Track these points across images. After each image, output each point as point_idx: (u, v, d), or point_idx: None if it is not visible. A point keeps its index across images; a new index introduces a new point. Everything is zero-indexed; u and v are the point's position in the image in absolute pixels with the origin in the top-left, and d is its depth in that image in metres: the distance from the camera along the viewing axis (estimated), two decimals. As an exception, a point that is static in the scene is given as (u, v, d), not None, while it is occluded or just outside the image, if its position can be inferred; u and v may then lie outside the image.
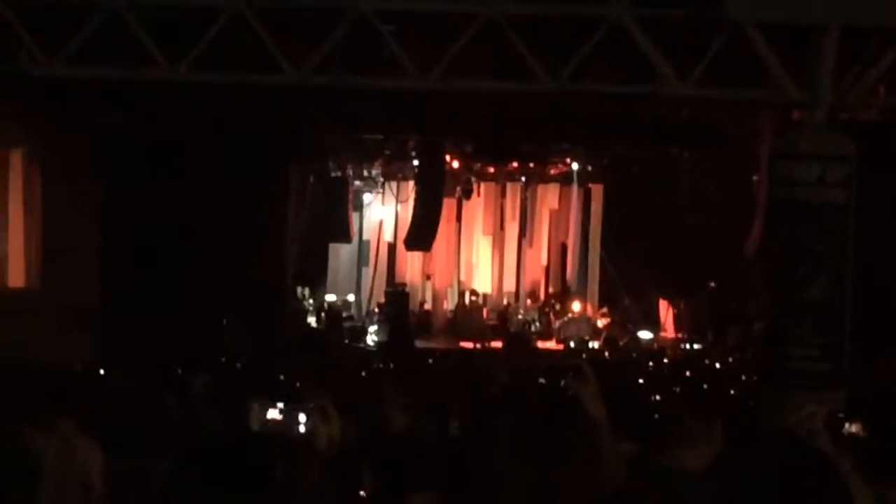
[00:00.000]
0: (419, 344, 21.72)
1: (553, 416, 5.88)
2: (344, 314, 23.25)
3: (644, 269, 23.25)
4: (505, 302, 24.86)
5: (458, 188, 24.02)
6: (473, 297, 24.26)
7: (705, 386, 9.85)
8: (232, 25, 12.31)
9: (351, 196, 23.60)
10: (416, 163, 22.61)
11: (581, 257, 24.96)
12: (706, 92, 12.44)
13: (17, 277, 16.86)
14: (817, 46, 11.74)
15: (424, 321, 23.74)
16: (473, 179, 24.39)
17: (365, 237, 24.85)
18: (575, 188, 24.74)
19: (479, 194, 24.75)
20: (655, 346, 21.86)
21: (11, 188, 16.70)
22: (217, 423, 7.86)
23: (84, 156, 17.02)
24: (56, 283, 16.69)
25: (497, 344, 21.65)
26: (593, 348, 21.66)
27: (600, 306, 24.30)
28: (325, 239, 23.56)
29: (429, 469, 4.30)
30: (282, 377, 12.35)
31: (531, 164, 24.43)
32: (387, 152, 23.15)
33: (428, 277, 24.69)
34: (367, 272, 24.79)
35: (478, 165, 24.19)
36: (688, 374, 14.62)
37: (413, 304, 23.46)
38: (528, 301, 24.91)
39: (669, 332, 23.36)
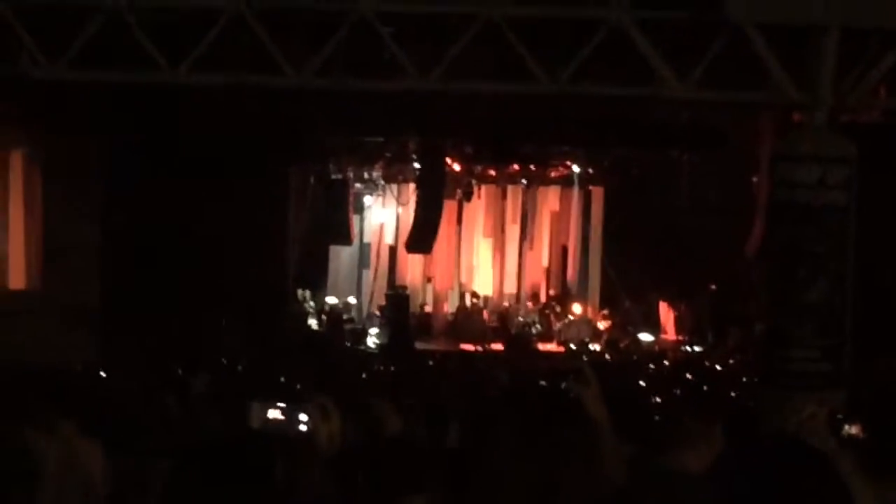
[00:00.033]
0: (420, 346, 21.72)
1: (554, 418, 5.87)
2: (344, 316, 23.25)
3: (644, 271, 23.25)
4: (505, 304, 24.86)
5: (459, 190, 24.03)
6: (474, 300, 24.27)
7: (706, 388, 9.86)
8: (232, 27, 12.32)
9: (351, 198, 23.60)
10: (416, 165, 22.62)
11: (582, 259, 24.96)
12: (706, 94, 12.44)
13: (17, 278, 16.88)
14: (817, 48, 11.75)
15: (425, 323, 23.74)
16: (474, 182, 24.40)
17: (366, 239, 24.86)
18: (576, 190, 24.75)
19: (479, 196, 24.76)
20: (656, 347, 21.86)
21: (12, 189, 16.72)
22: (217, 423, 7.86)
23: (84, 157, 17.03)
24: (56, 284, 16.70)
25: (498, 346, 21.66)
26: (594, 350, 21.65)
27: (601, 308, 24.31)
28: (325, 241, 23.56)
29: (422, 472, 4.29)
30: (282, 379, 12.35)
31: (532, 167, 24.43)
32: (387, 155, 23.16)
33: (428, 280, 24.69)
34: (368, 274, 24.80)
35: (478, 168, 24.19)
36: (688, 375, 14.60)
37: (414, 307, 23.46)
38: (529, 303, 24.91)
39: (670, 334, 23.35)
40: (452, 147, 22.32)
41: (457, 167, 23.38)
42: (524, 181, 24.91)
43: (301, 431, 5.04)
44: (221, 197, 18.23)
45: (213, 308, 18.18)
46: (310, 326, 22.83)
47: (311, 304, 23.39)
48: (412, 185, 23.18)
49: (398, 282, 24.29)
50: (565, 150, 23.71)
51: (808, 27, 11.76)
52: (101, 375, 11.93)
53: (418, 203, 22.09)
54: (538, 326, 23.81)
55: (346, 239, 23.54)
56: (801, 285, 11.57)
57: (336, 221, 23.04)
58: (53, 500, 5.64)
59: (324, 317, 23.20)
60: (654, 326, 23.45)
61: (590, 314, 24.06)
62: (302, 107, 17.16)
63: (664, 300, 23.72)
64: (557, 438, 5.45)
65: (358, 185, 24.14)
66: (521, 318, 24.15)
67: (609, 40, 12.02)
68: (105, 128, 16.81)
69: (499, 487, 5.81)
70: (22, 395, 6.41)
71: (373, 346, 22.00)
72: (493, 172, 24.54)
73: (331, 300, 23.79)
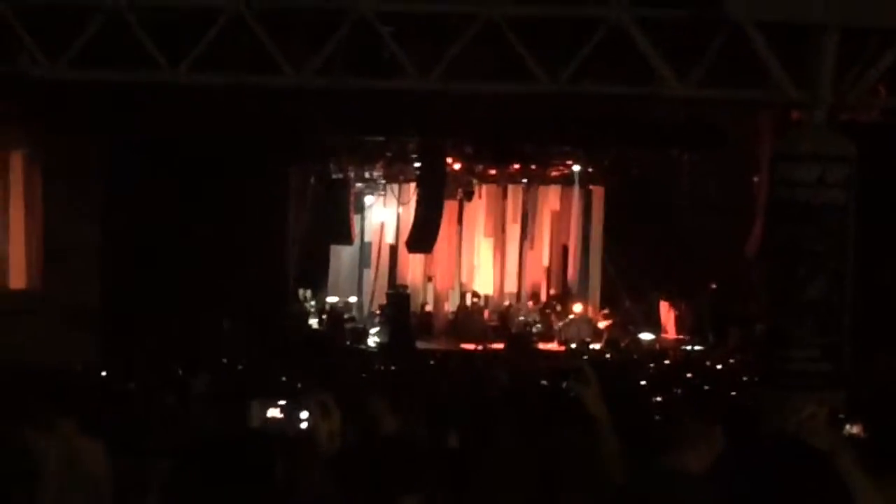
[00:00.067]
0: (420, 345, 21.72)
1: (555, 417, 5.88)
2: (345, 316, 23.26)
3: (645, 270, 23.26)
4: (506, 303, 24.87)
5: (460, 190, 24.04)
6: (475, 299, 24.28)
7: (706, 387, 9.86)
8: (232, 27, 12.31)
9: (352, 198, 23.61)
10: (417, 165, 22.62)
11: (582, 259, 24.97)
12: (706, 92, 12.43)
13: (17, 278, 16.88)
14: (817, 47, 11.74)
15: (426, 323, 23.75)
16: (475, 181, 24.40)
17: (366, 239, 24.87)
18: (576, 190, 24.75)
19: (480, 196, 24.76)
20: (656, 347, 21.87)
21: (12, 189, 16.72)
22: (217, 422, 7.87)
23: (85, 157, 17.03)
24: (56, 284, 16.70)
25: (498, 345, 21.65)
26: (594, 350, 21.65)
27: (601, 308, 24.31)
28: (326, 241, 23.57)
29: (417, 472, 4.28)
30: (283, 378, 12.35)
31: (532, 166, 24.43)
32: (388, 154, 23.16)
33: (429, 279, 24.70)
34: (369, 274, 24.81)
35: (479, 167, 24.19)
36: (689, 375, 14.61)
37: (414, 306, 23.47)
38: (530, 302, 24.92)
39: (670, 333, 23.36)
40: (453, 147, 22.32)
41: (457, 167, 23.39)
42: (525, 181, 24.92)
43: (301, 430, 5.03)
44: (222, 197, 18.23)
45: (213, 308, 18.19)
46: (310, 326, 22.84)
47: (312, 303, 23.41)
48: (413, 185, 23.18)
49: (399, 281, 24.30)
50: (566, 150, 23.72)
51: (807, 26, 11.75)
52: (101, 375, 11.95)
53: (419, 203, 22.10)
54: (538, 326, 23.81)
55: (346, 238, 23.54)
56: (801, 284, 11.57)
57: (337, 221, 23.05)
58: (56, 499, 5.64)
59: (324, 316, 23.21)
60: (655, 326, 23.46)
61: (590, 313, 24.07)
62: (302, 106, 17.16)
63: (664, 299, 23.73)
64: (558, 438, 5.46)
65: (358, 184, 24.15)
66: (521, 318, 24.15)
67: (609, 39, 12.01)
68: (105, 128, 16.81)
69: (499, 487, 5.82)
70: (22, 395, 6.41)
71: (373, 345, 22.01)
72: (493, 172, 24.54)
73: (331, 299, 23.80)
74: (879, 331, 14.44)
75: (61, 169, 16.83)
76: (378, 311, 23.25)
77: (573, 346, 21.98)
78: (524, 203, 25.12)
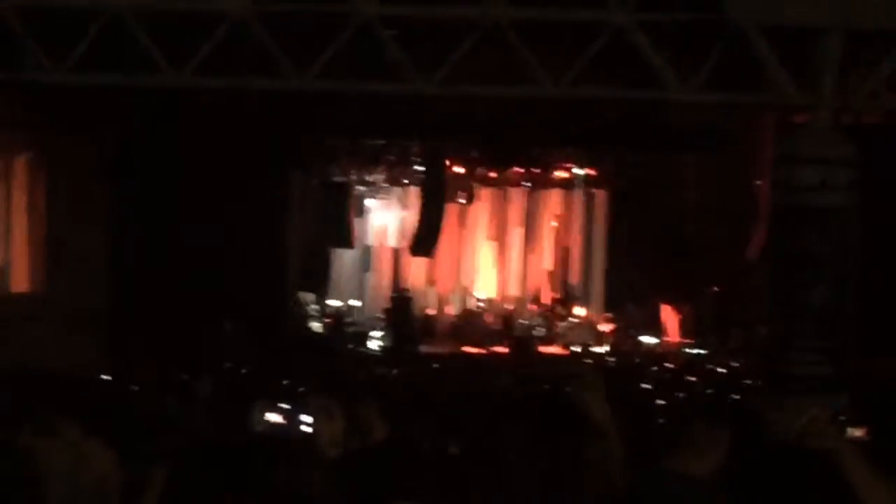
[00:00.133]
0: (423, 349, 21.71)
1: (558, 421, 5.88)
2: (347, 319, 23.24)
3: (647, 273, 23.23)
4: (508, 307, 24.83)
5: (463, 193, 24.02)
6: (477, 303, 24.26)
7: (709, 391, 9.87)
8: (235, 31, 12.33)
9: (354, 201, 23.60)
10: (419, 168, 22.61)
11: (584, 262, 24.94)
12: (708, 96, 12.44)
13: (21, 282, 16.89)
14: (820, 49, 11.74)
15: (428, 326, 23.72)
16: (477, 185, 24.38)
17: (368, 242, 24.85)
18: (578, 193, 24.73)
19: (482, 199, 24.74)
20: (659, 350, 21.85)
21: (16, 194, 16.73)
22: (220, 426, 7.87)
23: (88, 161, 17.05)
24: (61, 288, 16.72)
25: (501, 349, 21.65)
26: (597, 353, 21.63)
27: (604, 311, 24.28)
28: (328, 244, 23.55)
29: (408, 477, 4.28)
30: (285, 382, 12.35)
31: (535, 170, 24.41)
32: (390, 157, 23.16)
33: (431, 283, 24.68)
34: (371, 277, 24.78)
35: (481, 171, 24.18)
36: (692, 378, 14.61)
37: (417, 310, 23.45)
38: (532, 306, 24.88)
39: (673, 336, 23.33)
40: (455, 150, 22.31)
41: (459, 170, 23.38)
42: (527, 184, 24.89)
43: (303, 433, 5.04)
44: (224, 200, 18.24)
45: (216, 312, 18.18)
46: (312, 329, 22.82)
47: (314, 307, 23.38)
48: (415, 189, 23.17)
49: (401, 284, 24.28)
50: (568, 153, 23.70)
51: (809, 28, 11.75)
52: (104, 379, 11.96)
53: (421, 207, 22.08)
54: (541, 329, 23.78)
55: (348, 242, 23.52)
56: (803, 288, 11.57)
57: (338, 224, 23.03)
58: (64, 502, 5.64)
59: (326, 320, 23.19)
60: (658, 329, 23.43)
61: (593, 317, 24.03)
62: (304, 110, 17.17)
63: (667, 303, 23.71)
64: (561, 443, 5.45)
65: (360, 187, 24.13)
66: (523, 321, 24.13)
67: (611, 43, 12.02)
68: (109, 132, 16.83)
69: (502, 492, 5.81)
70: (26, 398, 6.42)
71: (376, 348, 21.99)
72: (495, 175, 24.52)
73: (334, 303, 23.78)
74: (882, 334, 14.42)
75: (65, 173, 16.85)
76: (380, 315, 23.23)
77: (576, 349, 21.97)
78: (527, 207, 25.09)
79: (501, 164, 23.93)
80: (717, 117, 18.66)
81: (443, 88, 12.45)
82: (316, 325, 22.96)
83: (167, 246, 17.63)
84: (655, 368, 17.21)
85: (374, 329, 22.76)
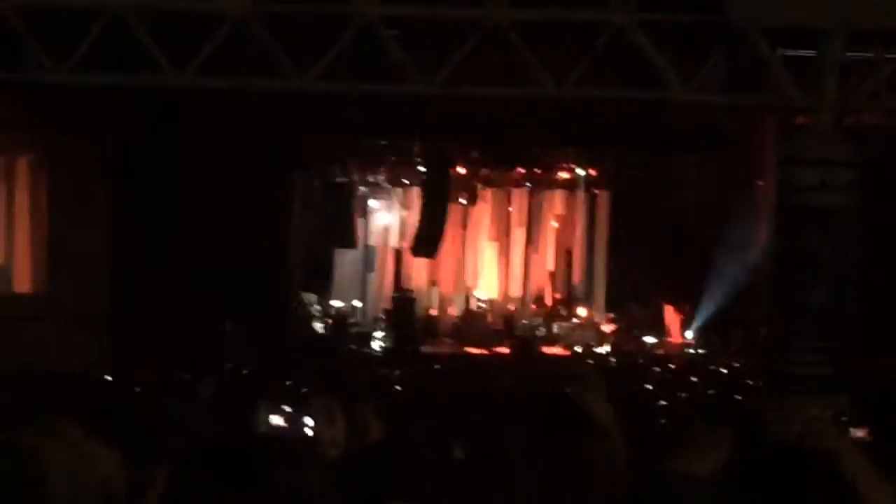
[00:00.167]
0: (425, 349, 21.72)
1: (560, 422, 5.88)
2: (350, 320, 23.26)
3: (649, 274, 23.24)
4: (511, 307, 24.85)
5: (465, 194, 24.04)
6: (479, 303, 24.28)
7: (712, 391, 9.87)
8: (236, 31, 12.34)
9: (356, 202, 23.61)
10: (421, 169, 22.63)
11: (587, 263, 24.95)
12: (710, 97, 12.44)
13: (23, 283, 16.91)
14: (821, 50, 11.74)
15: (430, 327, 23.74)
16: (479, 185, 24.40)
17: (370, 243, 24.86)
18: (581, 194, 24.74)
19: (484, 200, 24.75)
20: (662, 351, 21.85)
21: (18, 195, 16.75)
22: (222, 427, 7.87)
23: (90, 162, 17.06)
24: (63, 288, 16.73)
25: (503, 349, 21.66)
26: (599, 354, 21.65)
27: (606, 312, 24.29)
28: (330, 244, 23.57)
29: (406, 478, 4.28)
30: (287, 383, 12.35)
31: (537, 170, 24.43)
32: (392, 158, 23.18)
33: (434, 283, 24.70)
34: (373, 278, 24.80)
35: (483, 171, 24.19)
36: (694, 379, 14.61)
37: (419, 310, 23.47)
38: (534, 307, 24.90)
39: (675, 337, 23.34)
40: (457, 151, 22.32)
41: (462, 171, 23.40)
42: (529, 185, 24.91)
43: (305, 435, 5.04)
44: (226, 201, 18.25)
45: (218, 313, 18.20)
46: (315, 330, 22.84)
47: (317, 307, 23.40)
48: (417, 189, 23.19)
49: (403, 285, 24.29)
50: (570, 154, 23.72)
51: (811, 30, 11.76)
52: (107, 380, 11.96)
53: (423, 207, 22.10)
54: (543, 330, 23.79)
55: (350, 242, 23.54)
56: (804, 288, 11.58)
57: (340, 225, 23.05)
58: (65, 503, 5.64)
59: (329, 320, 23.20)
60: (660, 330, 23.43)
61: (595, 317, 24.05)
62: (306, 110, 17.18)
63: (669, 303, 23.71)
64: (563, 443, 5.45)
65: (362, 188, 24.15)
66: (526, 322, 24.14)
67: (613, 44, 12.02)
68: (111, 132, 16.84)
69: (503, 492, 5.81)
70: (28, 399, 6.43)
71: (378, 349, 22.01)
72: (497, 176, 24.54)
73: (336, 303, 23.79)
74: (882, 334, 14.42)
75: (67, 174, 16.87)
76: (383, 316, 23.24)
77: (578, 350, 21.98)
78: (529, 207, 25.10)
79: (503, 165, 23.95)
80: (718, 118, 18.67)
81: (444, 89, 12.46)
82: (318, 326, 22.98)
83: (169, 246, 17.65)
84: (657, 369, 17.21)
85: (376, 330, 22.78)
